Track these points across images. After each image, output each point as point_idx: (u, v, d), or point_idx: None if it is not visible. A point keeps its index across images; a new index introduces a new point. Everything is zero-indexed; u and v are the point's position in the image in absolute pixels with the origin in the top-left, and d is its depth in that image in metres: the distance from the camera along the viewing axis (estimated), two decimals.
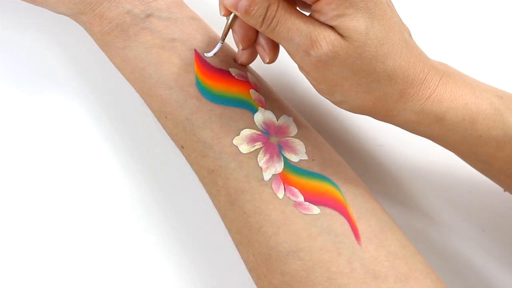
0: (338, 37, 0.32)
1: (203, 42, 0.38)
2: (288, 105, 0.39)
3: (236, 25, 0.35)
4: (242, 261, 0.37)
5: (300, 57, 0.33)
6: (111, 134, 0.43)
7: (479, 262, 0.40)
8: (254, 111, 0.37)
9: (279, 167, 0.35)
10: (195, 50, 0.37)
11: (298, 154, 0.36)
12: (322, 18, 0.32)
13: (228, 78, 0.37)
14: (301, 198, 0.35)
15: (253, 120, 0.36)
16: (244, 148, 0.36)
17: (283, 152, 0.36)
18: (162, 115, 0.38)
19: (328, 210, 0.34)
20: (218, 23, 0.40)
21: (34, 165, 0.42)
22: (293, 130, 0.37)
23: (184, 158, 0.39)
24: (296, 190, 0.35)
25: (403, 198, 0.44)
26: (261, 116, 0.36)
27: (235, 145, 0.36)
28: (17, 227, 0.41)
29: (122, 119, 0.44)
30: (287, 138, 0.36)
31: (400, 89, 0.33)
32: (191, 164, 0.38)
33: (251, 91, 0.37)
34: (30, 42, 0.44)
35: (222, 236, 0.38)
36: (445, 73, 0.35)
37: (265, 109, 0.37)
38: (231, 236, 0.37)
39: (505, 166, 0.36)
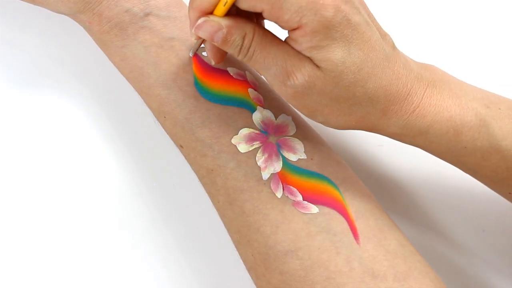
0: (313, 67, 0.31)
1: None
2: (287, 104, 0.39)
3: (207, 45, 0.35)
4: (241, 260, 0.37)
5: (278, 86, 0.33)
6: (110, 133, 0.43)
7: (479, 262, 0.40)
8: (253, 110, 0.37)
9: (277, 166, 0.35)
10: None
11: (297, 153, 0.36)
12: (297, 48, 0.31)
13: (226, 77, 0.37)
14: (299, 197, 0.34)
15: (252, 119, 0.36)
16: (243, 147, 0.36)
17: (281, 151, 0.36)
18: (161, 115, 0.38)
19: (327, 209, 0.34)
20: None
21: (34, 164, 0.42)
22: (292, 129, 0.37)
23: (184, 158, 0.38)
24: (294, 189, 0.35)
25: (402, 198, 0.44)
26: (259, 115, 0.36)
27: (233, 144, 0.36)
28: (17, 226, 0.41)
29: (121, 118, 0.44)
30: (286, 137, 0.36)
31: (382, 107, 0.33)
32: (190, 164, 0.38)
33: (250, 90, 0.37)
34: (29, 42, 0.44)
35: (222, 235, 0.38)
36: (430, 83, 0.34)
37: (264, 108, 0.37)
38: (230, 236, 0.37)
39: (491, 174, 0.36)
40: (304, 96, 0.32)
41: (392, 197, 0.43)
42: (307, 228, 0.34)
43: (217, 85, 0.37)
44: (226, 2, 0.30)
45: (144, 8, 0.38)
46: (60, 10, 0.39)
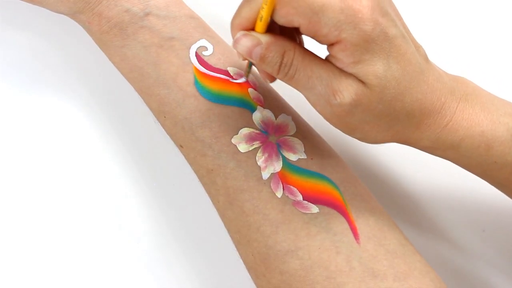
0: (360, 85, 0.31)
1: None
2: (287, 103, 0.39)
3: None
4: (241, 260, 0.37)
5: (322, 106, 0.32)
6: (110, 133, 0.43)
7: (479, 262, 0.40)
8: (253, 110, 0.36)
9: (277, 166, 0.35)
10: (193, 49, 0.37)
11: (297, 153, 0.36)
12: (339, 65, 0.31)
13: (226, 77, 0.37)
14: (299, 197, 0.34)
15: (252, 119, 0.36)
16: (243, 147, 0.36)
17: (281, 151, 0.36)
18: (161, 115, 0.38)
19: (327, 209, 0.34)
20: (216, 22, 0.40)
21: (33, 164, 0.42)
22: (292, 129, 0.37)
23: (184, 158, 0.38)
24: (294, 189, 0.35)
25: (402, 197, 0.44)
26: (259, 115, 0.36)
27: (233, 144, 0.36)
28: (18, 227, 0.41)
29: (122, 118, 0.44)
30: (286, 137, 0.36)
31: (417, 121, 0.33)
32: (190, 164, 0.38)
33: (250, 90, 0.37)
34: (29, 42, 0.44)
35: (222, 235, 0.38)
36: (463, 96, 0.34)
37: (264, 108, 0.37)
38: (230, 236, 0.37)
39: None
40: (349, 114, 0.32)
41: (392, 197, 0.43)
42: (307, 228, 0.34)
43: (217, 85, 0.37)
44: (262, 17, 0.30)
45: (143, 7, 0.38)
46: (60, 10, 0.39)
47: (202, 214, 0.41)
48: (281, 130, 0.36)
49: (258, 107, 0.37)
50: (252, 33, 0.31)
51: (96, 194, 0.42)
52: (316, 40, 0.31)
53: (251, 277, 0.36)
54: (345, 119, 0.32)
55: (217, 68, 0.37)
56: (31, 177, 0.42)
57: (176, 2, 0.39)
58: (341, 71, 0.31)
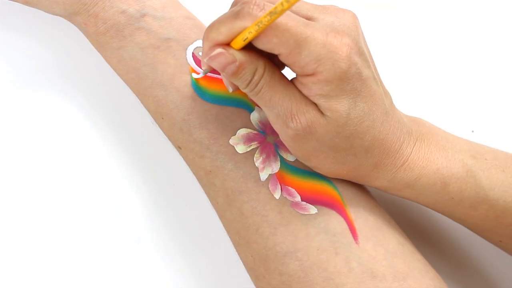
0: (318, 114, 0.31)
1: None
2: None
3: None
4: (241, 261, 0.37)
5: (279, 126, 0.33)
6: (109, 135, 0.43)
7: (479, 261, 0.40)
8: (251, 110, 0.36)
9: (275, 166, 0.35)
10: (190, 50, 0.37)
11: None
12: (305, 92, 0.31)
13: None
14: (298, 198, 0.34)
15: (250, 119, 0.36)
16: (241, 148, 0.36)
17: (279, 152, 0.36)
18: (159, 116, 0.38)
19: (326, 210, 0.34)
20: None
21: (33, 165, 0.42)
22: None
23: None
24: (293, 190, 0.35)
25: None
26: (257, 115, 0.36)
27: (231, 145, 0.36)
28: (17, 228, 0.41)
29: (119, 120, 0.44)
30: None
31: (375, 160, 0.33)
32: (189, 165, 0.38)
33: None
34: (25, 44, 0.44)
35: (221, 236, 0.38)
36: (419, 137, 0.35)
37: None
38: (229, 237, 0.37)
39: (480, 223, 0.36)
40: (303, 140, 0.32)
41: (391, 197, 0.42)
42: (306, 229, 0.34)
43: (215, 86, 0.37)
44: (246, 38, 0.30)
45: (140, 9, 0.37)
46: (55, 12, 0.39)
47: (202, 215, 0.41)
48: None
49: (256, 107, 0.36)
50: (227, 50, 0.31)
51: (95, 194, 0.42)
52: (291, 69, 0.31)
53: (251, 278, 0.36)
54: (299, 144, 0.33)
55: (214, 69, 0.37)
56: (30, 178, 0.42)
57: (172, 3, 0.39)
58: (304, 97, 0.31)
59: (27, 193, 0.42)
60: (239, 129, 0.36)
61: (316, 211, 0.34)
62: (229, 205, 0.36)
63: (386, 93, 0.34)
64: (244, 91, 0.32)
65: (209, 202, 0.38)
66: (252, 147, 0.36)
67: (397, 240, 0.34)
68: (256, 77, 0.31)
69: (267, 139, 0.36)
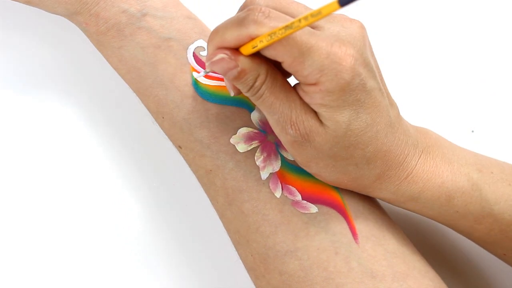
0: (317, 123, 0.31)
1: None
2: None
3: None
4: (240, 260, 0.37)
5: (278, 131, 0.32)
6: (109, 134, 0.43)
7: (479, 261, 0.40)
8: (251, 109, 0.36)
9: (276, 165, 0.35)
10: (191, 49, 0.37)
11: None
12: (306, 100, 0.31)
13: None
14: (298, 197, 0.34)
15: (250, 118, 0.36)
16: (241, 147, 0.36)
17: (280, 150, 0.36)
18: (159, 115, 0.38)
19: (326, 209, 0.34)
20: (214, 22, 0.40)
21: (33, 166, 0.42)
22: None
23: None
24: (293, 189, 0.35)
25: None
26: (258, 114, 0.36)
27: (232, 144, 0.36)
28: (16, 229, 0.41)
29: (120, 119, 0.44)
30: None
31: (378, 172, 0.33)
32: (189, 164, 0.38)
33: None
34: (26, 44, 0.44)
35: (221, 235, 0.38)
36: (425, 149, 0.34)
37: None
38: (229, 236, 0.37)
39: (485, 236, 0.36)
40: (301, 147, 0.32)
41: None
42: (306, 228, 0.34)
43: (215, 85, 0.37)
44: (256, 46, 0.30)
45: (141, 8, 0.37)
46: (57, 11, 0.39)
47: (202, 215, 0.41)
48: None
49: (256, 107, 0.36)
50: (231, 55, 0.31)
51: (96, 195, 0.42)
52: (294, 76, 0.31)
53: (251, 278, 0.36)
54: (298, 150, 0.32)
55: None
56: (30, 179, 0.42)
57: (173, 2, 0.39)
58: (305, 104, 0.31)
59: (27, 193, 0.42)
60: (239, 128, 0.36)
61: (317, 210, 0.34)
62: (229, 204, 0.36)
63: (393, 104, 0.34)
64: (246, 94, 0.32)
65: (209, 201, 0.38)
66: (252, 146, 0.36)
67: (397, 240, 0.34)
68: (258, 83, 0.31)
69: (268, 138, 0.36)
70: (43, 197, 0.42)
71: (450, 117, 0.46)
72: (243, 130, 0.36)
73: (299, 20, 0.27)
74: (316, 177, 0.35)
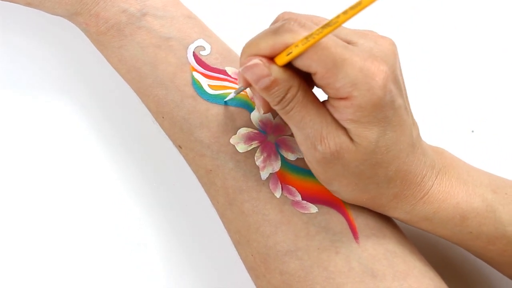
0: (347, 140, 0.31)
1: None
2: None
3: (256, 92, 0.33)
4: (241, 260, 0.37)
5: (307, 147, 0.32)
6: (109, 134, 0.43)
7: (479, 261, 0.40)
8: (251, 110, 0.36)
9: (276, 165, 0.35)
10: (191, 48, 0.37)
11: (295, 152, 0.36)
12: (336, 116, 0.31)
13: (224, 77, 0.37)
14: (298, 197, 0.34)
15: (250, 118, 0.36)
16: (241, 147, 0.36)
17: (280, 151, 0.36)
18: (159, 115, 0.38)
19: (326, 209, 0.34)
20: (214, 22, 0.40)
21: (32, 166, 0.42)
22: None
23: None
24: (293, 189, 0.35)
25: None
26: (257, 115, 0.36)
27: (232, 144, 0.36)
28: (16, 229, 0.41)
29: (120, 119, 0.44)
30: (284, 136, 0.36)
31: (396, 191, 0.33)
32: (189, 164, 0.38)
33: (248, 89, 0.37)
34: (26, 45, 0.44)
35: (222, 235, 0.38)
36: (441, 169, 0.34)
37: None
38: (230, 236, 0.37)
39: (498, 257, 0.36)
40: (329, 164, 0.31)
41: None
42: (306, 228, 0.34)
43: (215, 85, 0.37)
44: (290, 52, 0.29)
45: (141, 8, 0.38)
46: (57, 12, 0.39)
47: (202, 215, 0.41)
48: (279, 130, 0.36)
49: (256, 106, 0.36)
50: (265, 62, 0.30)
51: (95, 193, 0.42)
52: (325, 91, 0.30)
53: (251, 278, 0.36)
54: (325, 167, 0.32)
55: (215, 68, 0.37)
56: (30, 179, 0.42)
57: (173, 2, 0.39)
58: (335, 120, 0.31)
59: (28, 193, 0.42)
60: (239, 128, 0.36)
61: (317, 210, 0.34)
62: (229, 204, 0.36)
63: (415, 124, 0.34)
64: (274, 108, 0.31)
65: (210, 201, 0.38)
66: (252, 146, 0.36)
67: (397, 239, 0.34)
68: (289, 95, 0.31)
69: (268, 138, 0.36)
70: (43, 197, 0.42)
71: (450, 117, 0.46)
72: (243, 131, 0.36)
73: (338, 16, 0.27)
74: (334, 194, 0.34)
